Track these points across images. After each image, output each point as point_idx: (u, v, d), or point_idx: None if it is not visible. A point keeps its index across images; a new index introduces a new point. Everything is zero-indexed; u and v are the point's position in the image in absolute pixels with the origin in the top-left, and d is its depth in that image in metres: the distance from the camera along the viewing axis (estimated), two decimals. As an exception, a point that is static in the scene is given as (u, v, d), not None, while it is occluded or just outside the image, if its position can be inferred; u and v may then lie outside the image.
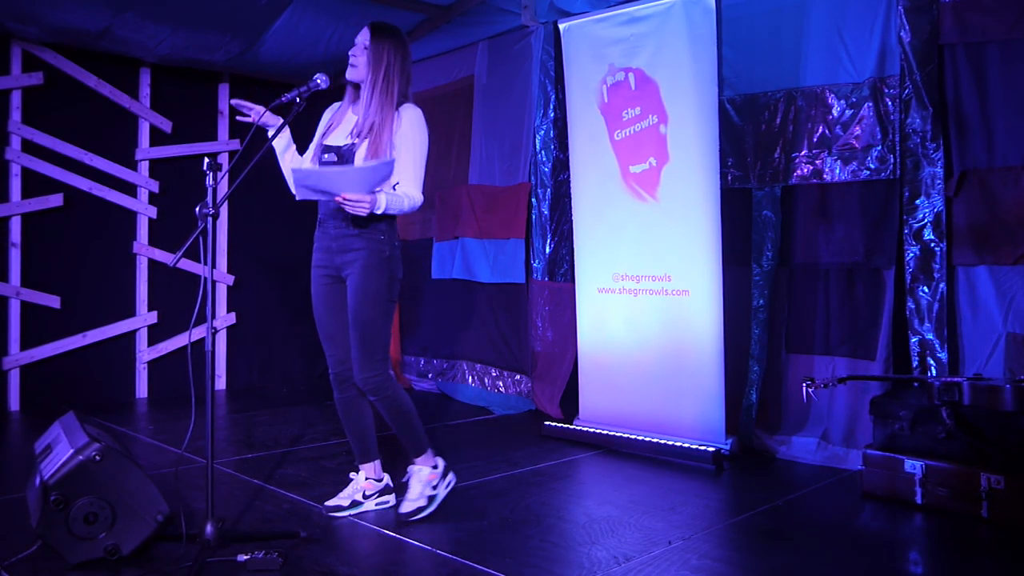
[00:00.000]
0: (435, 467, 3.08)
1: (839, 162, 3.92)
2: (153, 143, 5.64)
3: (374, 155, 2.81)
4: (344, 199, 2.68)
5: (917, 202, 3.67)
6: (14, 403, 5.09)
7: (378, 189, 2.74)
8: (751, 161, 4.21)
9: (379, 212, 2.77)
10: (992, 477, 2.98)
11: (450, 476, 3.13)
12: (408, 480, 3.08)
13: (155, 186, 5.62)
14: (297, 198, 2.79)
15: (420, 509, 2.98)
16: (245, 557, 2.47)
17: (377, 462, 3.16)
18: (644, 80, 4.11)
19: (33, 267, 5.16)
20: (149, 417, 5.01)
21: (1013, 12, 3.42)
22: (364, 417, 3.11)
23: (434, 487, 3.05)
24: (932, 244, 3.63)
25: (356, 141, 2.87)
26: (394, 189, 2.84)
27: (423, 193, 2.96)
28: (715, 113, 3.83)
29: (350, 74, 2.92)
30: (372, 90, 2.87)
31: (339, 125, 2.99)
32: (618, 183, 4.24)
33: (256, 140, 2.86)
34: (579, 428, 4.36)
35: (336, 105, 3.10)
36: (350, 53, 2.92)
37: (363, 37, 2.91)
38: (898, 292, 3.75)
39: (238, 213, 6.04)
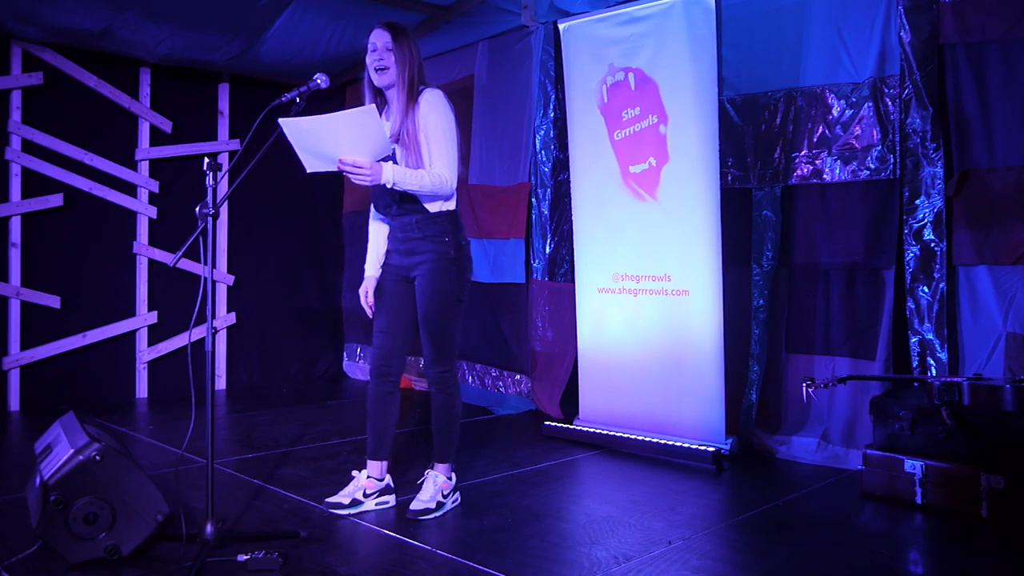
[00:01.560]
0: (450, 479, 3.15)
1: (839, 162, 3.92)
2: (153, 143, 5.63)
3: (406, 150, 2.88)
4: (343, 164, 2.69)
5: (917, 202, 3.68)
6: (14, 403, 5.09)
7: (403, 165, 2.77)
8: (751, 161, 4.21)
9: (389, 185, 2.79)
10: (992, 477, 2.98)
11: (457, 495, 3.19)
12: (423, 482, 3.13)
13: (155, 186, 5.62)
14: (307, 170, 2.79)
15: (428, 511, 3.02)
16: (245, 557, 2.47)
17: (384, 463, 3.16)
18: (644, 80, 4.11)
19: (33, 267, 5.16)
20: (149, 417, 5.01)
21: (1013, 12, 3.42)
22: (390, 415, 3.14)
23: (444, 496, 3.10)
24: (932, 244, 3.63)
25: (396, 146, 2.92)
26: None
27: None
28: (715, 113, 3.83)
29: (382, 80, 2.91)
30: (400, 91, 2.90)
31: None
32: (618, 183, 4.25)
33: (256, 140, 2.86)
34: (579, 428, 4.36)
35: None
36: (375, 58, 2.88)
37: (383, 39, 2.89)
38: (898, 292, 3.75)
39: (238, 213, 6.04)
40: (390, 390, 3.10)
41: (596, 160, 4.34)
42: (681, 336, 4.00)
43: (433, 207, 2.96)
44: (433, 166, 2.90)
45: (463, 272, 3.01)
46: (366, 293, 3.16)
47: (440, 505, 3.06)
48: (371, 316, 3.17)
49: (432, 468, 3.13)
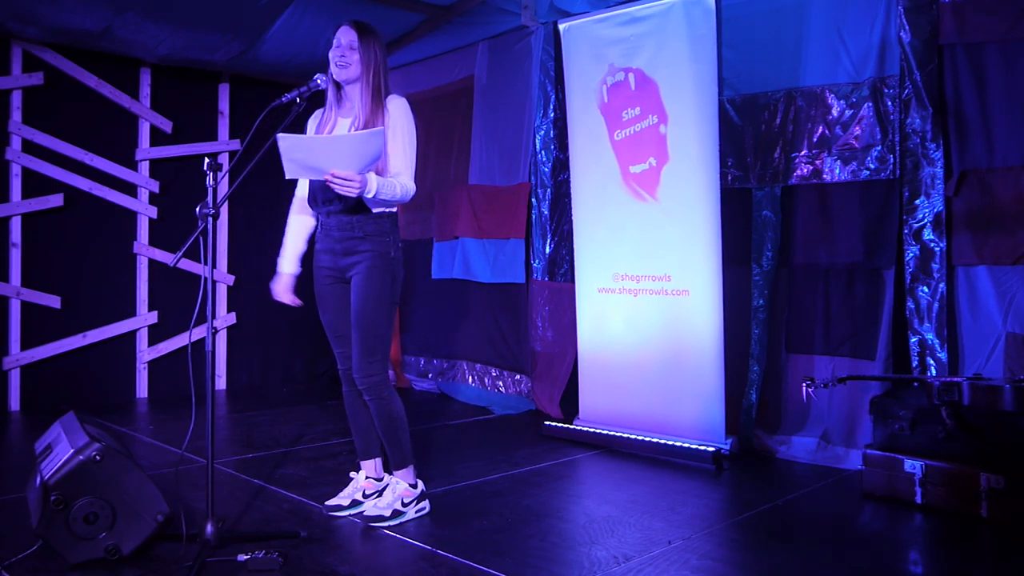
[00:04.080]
0: (413, 486, 3.03)
1: (839, 162, 3.92)
2: (153, 143, 5.64)
3: None
4: (333, 176, 2.65)
5: (917, 202, 3.68)
6: (14, 403, 5.09)
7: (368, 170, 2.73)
8: (751, 161, 4.21)
9: (370, 196, 2.74)
10: (992, 477, 2.98)
11: (424, 503, 3.06)
12: (384, 488, 3.07)
13: (155, 186, 5.62)
14: (287, 176, 2.72)
15: (382, 518, 2.91)
16: (245, 557, 2.48)
17: (378, 460, 3.16)
18: (644, 80, 4.11)
19: (33, 267, 5.16)
20: (149, 417, 5.01)
21: (1013, 12, 3.42)
22: (369, 414, 3.10)
23: (404, 504, 2.97)
24: (932, 244, 3.63)
25: None
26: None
27: (417, 185, 2.95)
28: (715, 113, 3.83)
29: (341, 74, 2.88)
30: (364, 89, 2.88)
31: (330, 131, 2.97)
32: (618, 183, 4.25)
33: (256, 140, 2.86)
34: (579, 428, 4.36)
35: (318, 113, 3.08)
36: (337, 54, 2.87)
37: (348, 37, 2.88)
38: (898, 292, 3.75)
39: (238, 213, 6.04)
40: None
41: (596, 160, 4.34)
42: (681, 336, 4.00)
43: (377, 207, 2.90)
44: (400, 175, 2.87)
45: (397, 274, 2.95)
46: (277, 289, 3.06)
47: (397, 513, 2.94)
48: (292, 305, 3.09)
49: (392, 475, 3.04)
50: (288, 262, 3.12)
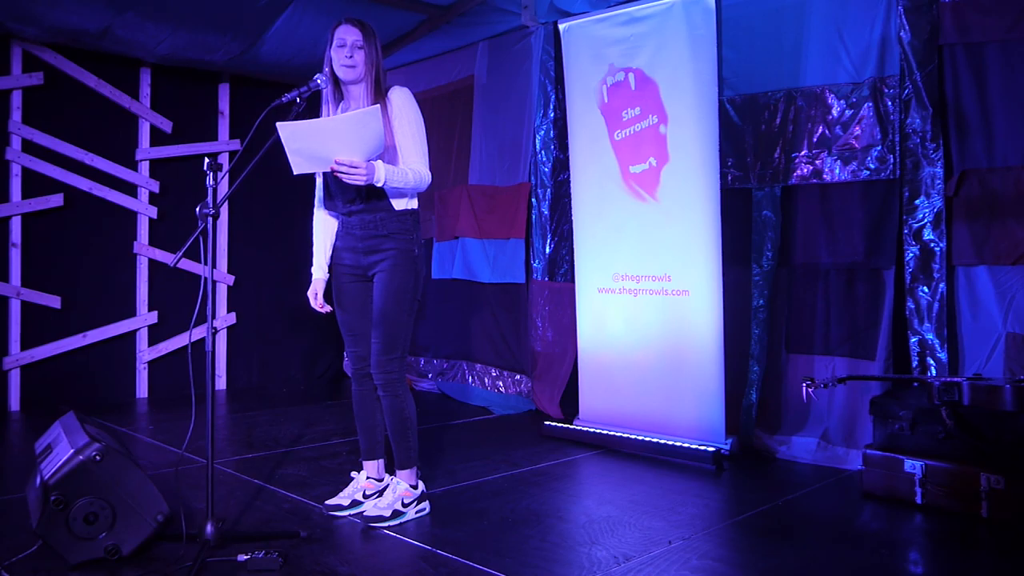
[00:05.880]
0: (414, 486, 3.03)
1: (839, 162, 3.92)
2: (153, 143, 5.64)
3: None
4: (338, 164, 2.66)
5: (917, 202, 3.68)
6: (14, 403, 5.09)
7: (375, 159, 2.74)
8: (751, 161, 4.21)
9: (379, 184, 2.76)
10: (992, 477, 2.98)
11: (424, 504, 3.06)
12: (384, 488, 3.08)
13: (155, 186, 5.62)
14: (294, 171, 2.73)
15: (382, 519, 2.91)
16: (245, 557, 2.48)
17: (381, 461, 3.16)
18: (644, 80, 4.11)
19: (33, 267, 5.16)
20: (149, 417, 5.01)
21: (1013, 12, 3.42)
22: (377, 413, 3.10)
23: (404, 504, 2.97)
24: (932, 244, 3.63)
25: None
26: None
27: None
28: (715, 113, 3.83)
29: (349, 74, 2.86)
30: (368, 86, 2.89)
31: None
32: (618, 183, 4.25)
33: (256, 140, 2.86)
34: (579, 428, 4.36)
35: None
36: (344, 53, 2.84)
37: (353, 36, 2.85)
38: (898, 292, 3.75)
39: (238, 213, 6.04)
40: (372, 387, 3.05)
41: (596, 160, 4.34)
42: (681, 336, 4.00)
43: (399, 204, 2.91)
44: (411, 163, 2.88)
45: (420, 271, 2.97)
46: (315, 295, 3.08)
47: (397, 514, 2.93)
48: (323, 313, 3.10)
49: (394, 475, 3.05)
50: (318, 267, 3.12)
